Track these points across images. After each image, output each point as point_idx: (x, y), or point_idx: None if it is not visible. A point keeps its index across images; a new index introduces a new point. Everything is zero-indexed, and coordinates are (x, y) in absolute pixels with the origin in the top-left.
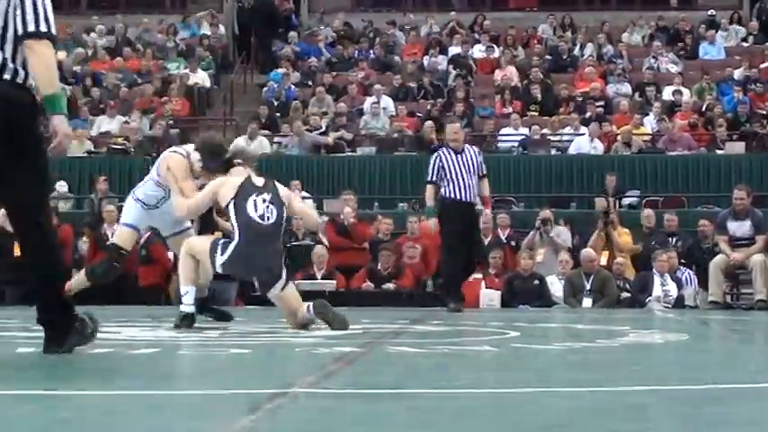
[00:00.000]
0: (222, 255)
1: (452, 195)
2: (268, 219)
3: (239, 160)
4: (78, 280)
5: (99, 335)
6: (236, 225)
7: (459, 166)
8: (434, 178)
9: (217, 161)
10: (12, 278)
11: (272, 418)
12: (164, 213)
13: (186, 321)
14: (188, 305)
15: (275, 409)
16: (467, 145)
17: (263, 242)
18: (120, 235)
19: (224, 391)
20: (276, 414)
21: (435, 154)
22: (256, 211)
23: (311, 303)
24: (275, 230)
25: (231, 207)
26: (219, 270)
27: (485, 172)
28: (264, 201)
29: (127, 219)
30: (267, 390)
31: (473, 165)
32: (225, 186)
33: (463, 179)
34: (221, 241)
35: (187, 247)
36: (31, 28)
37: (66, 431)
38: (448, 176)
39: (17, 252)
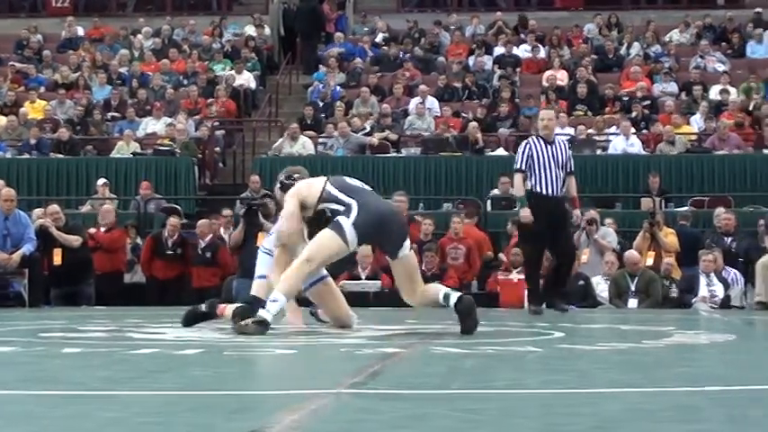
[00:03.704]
0: (348, 217)
1: (539, 189)
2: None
3: None
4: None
5: (144, 335)
6: (343, 197)
7: (549, 157)
8: (523, 167)
9: None
10: (56, 280)
11: (316, 418)
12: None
13: (261, 328)
14: (269, 312)
15: (319, 410)
16: (558, 136)
17: (381, 200)
18: (255, 287)
19: (268, 392)
20: (320, 414)
21: (525, 141)
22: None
23: (456, 296)
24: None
25: (330, 189)
26: (352, 236)
27: (572, 169)
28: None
29: (261, 271)
30: (311, 390)
31: (562, 158)
32: (305, 188)
33: (552, 172)
34: (338, 218)
35: (305, 254)
36: None
37: (115, 431)
38: (536, 168)
39: (57, 260)
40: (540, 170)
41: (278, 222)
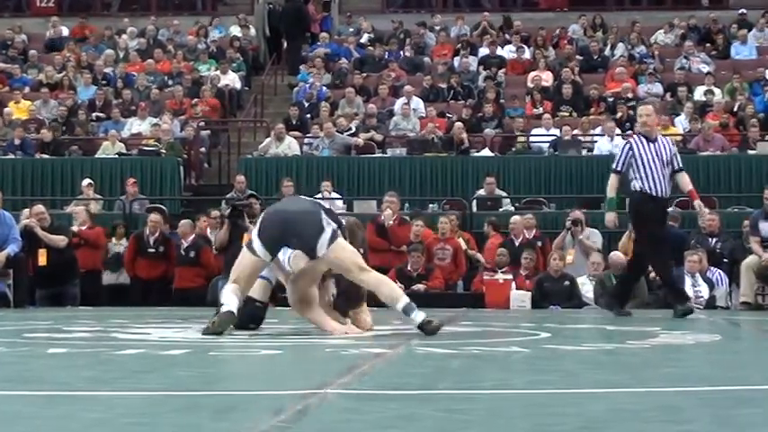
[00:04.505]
0: (256, 228)
1: (648, 189)
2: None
3: None
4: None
5: (129, 336)
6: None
7: (653, 155)
8: (621, 168)
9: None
10: (41, 280)
11: (302, 419)
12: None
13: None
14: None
15: (304, 410)
16: (660, 134)
17: (292, 202)
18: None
19: (254, 392)
20: (305, 415)
21: (626, 141)
22: None
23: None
24: (310, 204)
25: None
26: (259, 246)
27: (681, 165)
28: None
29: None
30: (297, 391)
31: (667, 155)
32: None
33: (657, 171)
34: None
35: (231, 276)
36: None
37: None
38: (640, 168)
39: (42, 261)
40: (645, 169)
41: None
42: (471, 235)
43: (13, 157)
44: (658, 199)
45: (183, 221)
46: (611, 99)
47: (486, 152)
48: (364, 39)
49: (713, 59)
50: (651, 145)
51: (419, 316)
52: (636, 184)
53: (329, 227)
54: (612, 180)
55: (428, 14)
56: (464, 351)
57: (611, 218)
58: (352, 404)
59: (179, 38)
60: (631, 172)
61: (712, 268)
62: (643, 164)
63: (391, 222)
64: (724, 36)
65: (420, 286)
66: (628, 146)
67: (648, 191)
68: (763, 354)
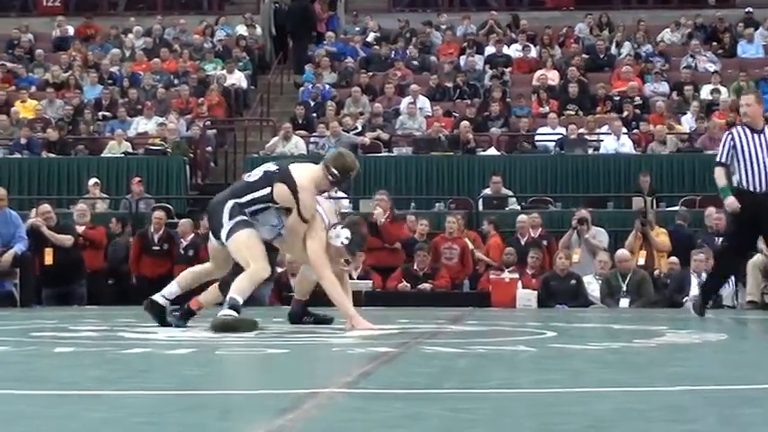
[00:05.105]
0: None
1: (744, 184)
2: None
3: None
4: (209, 298)
5: (135, 335)
6: None
7: (756, 148)
8: (725, 159)
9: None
10: (48, 279)
11: (308, 418)
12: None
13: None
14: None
15: (311, 410)
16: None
17: (221, 194)
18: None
19: (260, 392)
20: (312, 414)
21: (728, 132)
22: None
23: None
24: (241, 185)
25: None
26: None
27: None
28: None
29: None
30: (303, 390)
31: None
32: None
33: (760, 164)
34: None
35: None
36: None
37: (106, 431)
38: (740, 160)
39: (48, 260)
40: (745, 163)
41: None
42: (478, 234)
43: (19, 156)
44: (757, 195)
45: (182, 220)
46: (617, 98)
47: (492, 151)
48: (370, 38)
49: (720, 58)
50: (756, 136)
51: (228, 312)
52: (734, 179)
53: (231, 221)
54: (718, 172)
55: (434, 13)
56: (470, 350)
57: (730, 201)
58: (357, 403)
59: (185, 37)
60: (733, 165)
61: None
62: (743, 156)
63: (383, 220)
64: (730, 35)
65: (426, 285)
66: (729, 136)
67: (745, 185)
68: None
